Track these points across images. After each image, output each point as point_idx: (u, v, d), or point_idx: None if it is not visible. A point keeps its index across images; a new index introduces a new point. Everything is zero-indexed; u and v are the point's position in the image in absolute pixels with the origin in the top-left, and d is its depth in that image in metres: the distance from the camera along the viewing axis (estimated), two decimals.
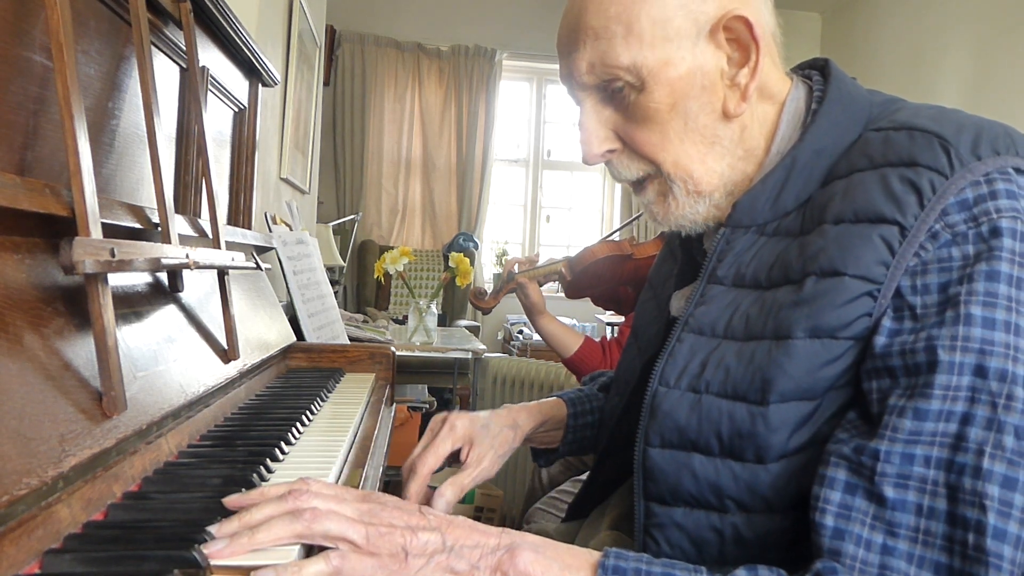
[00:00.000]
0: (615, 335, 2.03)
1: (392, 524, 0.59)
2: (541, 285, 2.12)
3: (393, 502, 0.62)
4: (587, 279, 2.12)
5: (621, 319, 2.38)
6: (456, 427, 0.90)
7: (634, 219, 2.57)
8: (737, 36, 0.71)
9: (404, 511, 0.61)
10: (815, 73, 0.79)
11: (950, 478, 0.57)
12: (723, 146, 0.74)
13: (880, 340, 0.63)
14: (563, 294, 2.23)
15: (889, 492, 0.58)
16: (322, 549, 0.57)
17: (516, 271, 2.13)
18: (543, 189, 5.96)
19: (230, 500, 0.61)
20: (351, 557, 0.56)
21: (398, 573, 0.57)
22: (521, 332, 5.12)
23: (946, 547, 0.56)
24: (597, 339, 2.12)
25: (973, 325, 0.59)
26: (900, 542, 0.57)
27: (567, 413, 1.04)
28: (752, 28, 0.70)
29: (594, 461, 1.00)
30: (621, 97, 0.74)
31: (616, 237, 2.21)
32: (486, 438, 0.91)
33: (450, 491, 0.84)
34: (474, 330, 4.45)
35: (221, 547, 0.54)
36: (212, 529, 0.56)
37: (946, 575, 0.56)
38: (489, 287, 4.77)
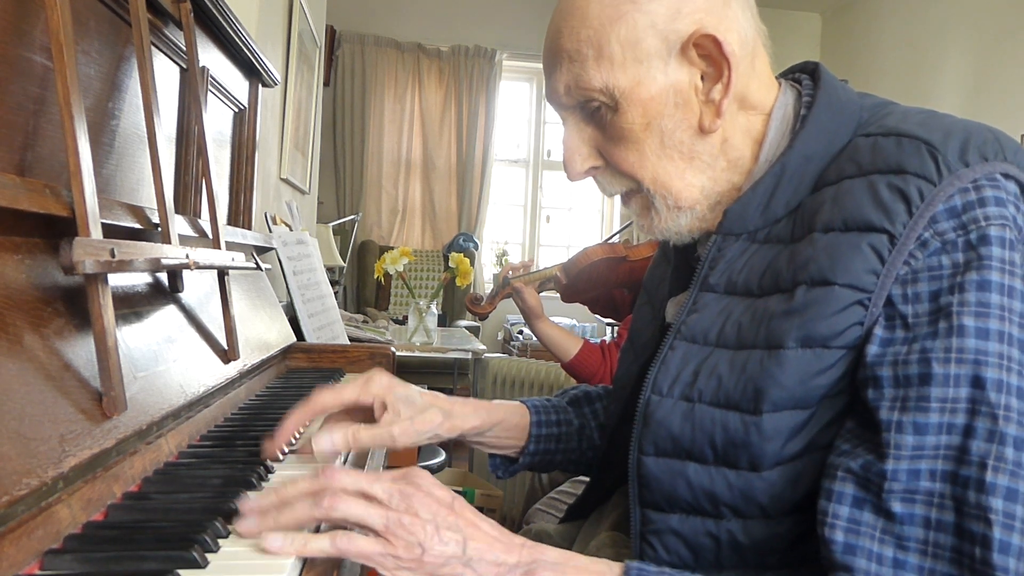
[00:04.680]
0: (615, 337, 2.02)
1: (418, 513, 0.58)
2: (538, 291, 2.12)
3: (428, 485, 0.61)
4: (583, 282, 2.12)
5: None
6: (372, 382, 0.82)
7: (628, 224, 2.58)
8: (709, 52, 0.71)
9: (436, 500, 0.60)
10: (805, 77, 0.78)
11: (956, 491, 0.57)
12: (702, 160, 0.75)
13: (872, 349, 0.63)
14: (559, 298, 2.24)
15: (897, 507, 0.58)
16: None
17: (511, 276, 2.13)
18: (543, 189, 5.96)
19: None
20: (358, 541, 0.57)
21: (409, 564, 0.57)
22: (521, 332, 5.12)
23: (955, 559, 0.57)
24: (596, 341, 2.11)
25: (967, 336, 0.59)
26: (910, 555, 0.58)
27: (531, 421, 0.96)
28: (721, 46, 0.70)
29: (595, 466, 1.00)
30: (599, 117, 0.75)
31: (614, 240, 2.22)
32: (405, 408, 0.81)
33: (340, 435, 0.76)
34: (474, 330, 4.44)
35: (251, 524, 0.58)
36: (250, 498, 0.60)
37: None
38: (489, 287, 4.76)
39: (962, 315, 0.59)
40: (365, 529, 0.58)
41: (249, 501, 0.60)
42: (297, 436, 0.88)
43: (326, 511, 0.57)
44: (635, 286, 2.15)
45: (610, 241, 2.20)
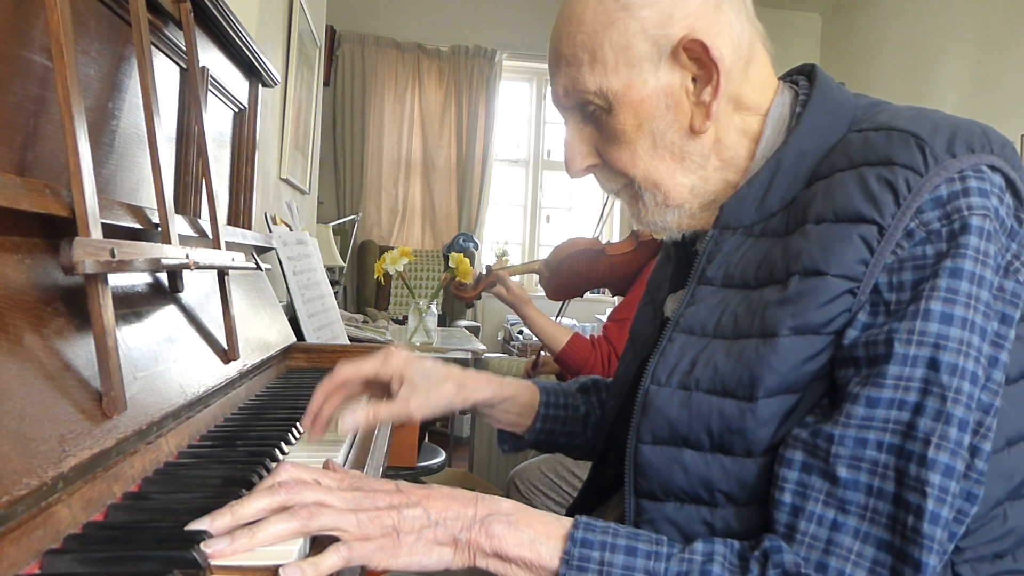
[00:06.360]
0: (602, 331, 2.04)
1: (377, 507, 0.62)
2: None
3: (369, 484, 0.65)
4: (564, 275, 2.15)
5: None
6: (392, 357, 0.88)
7: (606, 207, 2.62)
8: (699, 56, 0.73)
9: (383, 491, 0.64)
10: (802, 78, 0.80)
11: (899, 463, 0.61)
12: (693, 161, 0.77)
13: (852, 333, 0.65)
14: (545, 296, 2.27)
15: (843, 472, 0.62)
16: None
17: (494, 266, 2.16)
18: (543, 189, 5.96)
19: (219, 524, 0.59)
20: (355, 546, 0.60)
21: (392, 551, 0.61)
22: (521, 332, 5.12)
23: (890, 525, 0.60)
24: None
25: (931, 320, 0.61)
26: (850, 518, 0.62)
27: (540, 401, 1.02)
28: (709, 51, 0.71)
29: (592, 463, 1.01)
30: (596, 117, 0.78)
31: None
32: (421, 382, 0.87)
33: (362, 413, 0.81)
34: (474, 330, 4.44)
35: (223, 546, 0.55)
36: (203, 521, 0.57)
37: (886, 550, 0.60)
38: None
39: (931, 299, 0.62)
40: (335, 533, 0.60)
41: (203, 520, 0.57)
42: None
43: (306, 523, 0.59)
44: (616, 284, 2.17)
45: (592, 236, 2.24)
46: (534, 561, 0.63)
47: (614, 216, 5.63)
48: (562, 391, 1.05)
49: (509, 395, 0.99)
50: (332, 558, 0.58)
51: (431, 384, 0.88)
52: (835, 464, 0.62)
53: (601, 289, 2.23)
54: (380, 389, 0.91)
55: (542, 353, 2.29)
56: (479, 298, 2.34)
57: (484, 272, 2.17)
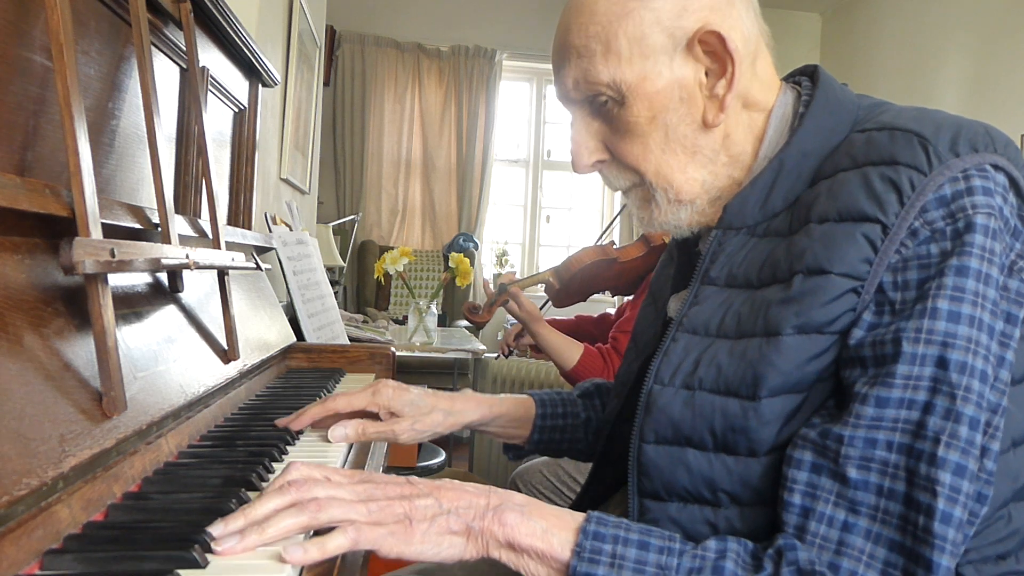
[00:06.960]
0: (610, 342, 2.02)
1: (388, 498, 0.62)
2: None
3: (381, 478, 0.65)
4: (575, 286, 2.15)
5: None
6: (380, 394, 0.93)
7: (613, 221, 2.60)
8: (713, 49, 0.73)
9: (394, 484, 0.64)
10: (805, 79, 0.80)
11: (909, 463, 0.60)
12: (704, 155, 0.77)
13: (858, 333, 0.65)
14: (552, 305, 2.26)
15: (853, 473, 0.62)
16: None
17: (507, 283, 2.13)
18: (543, 189, 5.96)
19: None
20: (364, 529, 0.60)
21: (405, 537, 0.61)
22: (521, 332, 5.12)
23: (901, 526, 0.60)
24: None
25: (938, 319, 0.61)
26: (861, 519, 0.61)
27: (536, 413, 1.04)
28: (725, 42, 0.72)
29: (593, 463, 1.01)
30: (607, 110, 0.77)
31: (603, 241, 2.24)
32: (409, 412, 0.92)
33: (352, 429, 0.89)
34: (474, 330, 4.44)
35: (233, 543, 0.56)
36: (217, 526, 0.57)
37: (898, 551, 0.60)
38: (490, 286, 4.77)
39: (937, 298, 0.62)
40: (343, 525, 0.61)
41: (217, 526, 0.57)
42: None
43: (314, 516, 0.59)
44: (621, 288, 2.17)
45: (599, 243, 2.22)
46: (546, 551, 0.63)
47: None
48: (561, 400, 1.06)
49: (500, 413, 1.01)
50: (339, 539, 0.58)
51: (419, 413, 0.93)
52: (845, 465, 0.62)
53: (603, 290, 2.22)
54: (373, 417, 0.94)
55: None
56: (492, 316, 2.31)
57: (496, 291, 2.15)
